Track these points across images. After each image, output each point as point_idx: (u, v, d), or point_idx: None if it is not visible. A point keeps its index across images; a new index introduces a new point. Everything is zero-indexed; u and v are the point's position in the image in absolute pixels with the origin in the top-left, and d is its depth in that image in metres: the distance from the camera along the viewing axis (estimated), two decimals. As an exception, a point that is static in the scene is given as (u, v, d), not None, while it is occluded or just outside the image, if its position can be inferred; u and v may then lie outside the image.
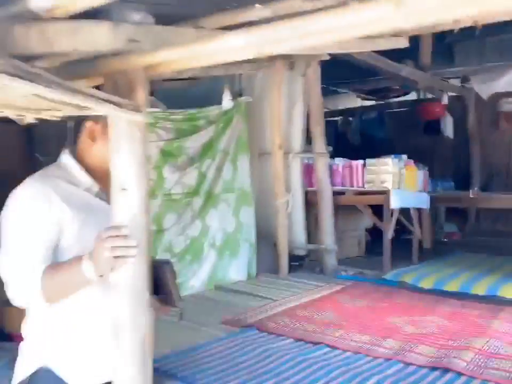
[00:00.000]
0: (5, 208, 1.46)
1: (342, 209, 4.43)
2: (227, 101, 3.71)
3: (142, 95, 1.27)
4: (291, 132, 4.31)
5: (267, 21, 1.52)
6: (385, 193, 3.94)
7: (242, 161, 4.03)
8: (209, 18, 1.57)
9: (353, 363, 2.13)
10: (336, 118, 8.44)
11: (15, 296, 1.46)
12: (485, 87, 6.55)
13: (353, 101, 8.16)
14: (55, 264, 1.41)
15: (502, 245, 5.11)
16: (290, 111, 4.29)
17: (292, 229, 4.30)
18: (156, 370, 1.57)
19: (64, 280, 1.38)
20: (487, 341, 2.37)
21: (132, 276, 1.33)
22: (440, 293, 3.33)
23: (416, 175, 4.34)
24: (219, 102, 3.85)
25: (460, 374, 1.99)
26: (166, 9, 1.53)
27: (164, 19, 1.45)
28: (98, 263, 1.31)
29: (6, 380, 2.62)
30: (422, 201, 4.42)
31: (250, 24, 1.63)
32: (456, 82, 6.71)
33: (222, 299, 3.30)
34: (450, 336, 2.46)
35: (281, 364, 2.12)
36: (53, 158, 1.62)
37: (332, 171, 4.29)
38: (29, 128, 3.86)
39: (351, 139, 8.02)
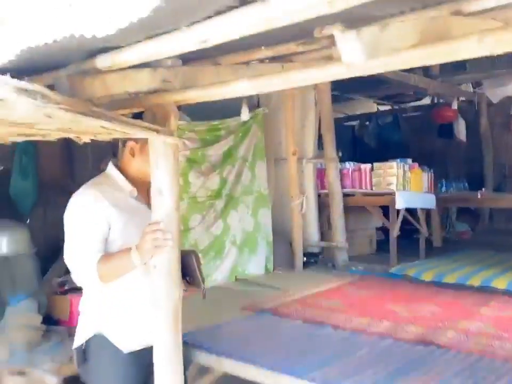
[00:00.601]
0: (67, 210, 1.91)
1: (352, 210, 4.79)
2: (245, 113, 4.12)
3: (173, 122, 1.69)
4: (304, 139, 4.70)
5: (270, 58, 1.93)
6: (390, 194, 4.30)
7: (260, 167, 4.44)
8: (225, 57, 1.98)
9: (351, 339, 2.50)
10: (353, 123, 8.77)
11: (77, 279, 1.91)
12: (495, 92, 6.81)
13: (370, 106, 8.48)
14: (108, 254, 1.84)
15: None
16: (303, 120, 4.68)
17: (306, 228, 4.68)
18: (183, 343, 1.98)
19: (116, 266, 1.81)
20: (472, 323, 2.71)
21: (167, 260, 1.75)
22: (439, 285, 3.66)
23: (421, 177, 4.67)
24: (238, 114, 4.26)
25: (440, 346, 2.35)
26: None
27: (189, 60, 1.87)
28: (143, 253, 1.73)
29: (58, 355, 3.10)
30: (428, 201, 4.74)
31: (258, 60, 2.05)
32: (468, 87, 6.97)
33: (242, 290, 3.72)
34: (440, 319, 2.80)
35: (290, 339, 2.51)
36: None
37: (342, 174, 4.66)
38: (69, 145, 4.38)
39: (368, 142, 8.33)
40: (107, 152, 2.44)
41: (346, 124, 8.70)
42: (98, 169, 4.21)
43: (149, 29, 1.16)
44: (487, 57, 1.13)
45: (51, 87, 1.47)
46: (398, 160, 4.46)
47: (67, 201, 1.97)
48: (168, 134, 1.62)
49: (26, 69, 1.55)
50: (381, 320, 2.78)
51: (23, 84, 1.23)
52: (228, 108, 4.69)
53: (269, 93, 4.83)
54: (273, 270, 4.39)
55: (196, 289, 2.17)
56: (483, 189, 5.93)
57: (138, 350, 1.94)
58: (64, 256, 1.89)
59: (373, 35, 0.96)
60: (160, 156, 1.66)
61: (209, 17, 1.12)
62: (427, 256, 4.77)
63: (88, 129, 1.63)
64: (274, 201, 4.61)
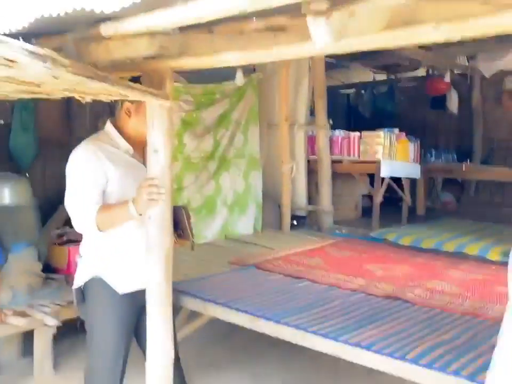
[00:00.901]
0: (68, 163, 2.09)
1: (340, 176, 4.99)
2: (240, 78, 4.24)
3: (169, 87, 1.85)
4: (297, 106, 4.84)
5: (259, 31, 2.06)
6: (376, 163, 4.49)
7: (253, 131, 4.60)
8: (219, 26, 2.11)
9: (326, 292, 2.74)
10: (349, 91, 8.83)
11: (77, 226, 2.11)
12: (489, 66, 6.88)
13: (366, 75, 8.53)
14: (107, 205, 2.03)
15: (493, 214, 5.59)
16: (297, 87, 4.80)
17: (294, 192, 4.89)
18: (174, 290, 2.20)
19: (114, 216, 2.01)
20: (439, 283, 2.95)
21: (161, 212, 1.95)
22: (416, 249, 3.91)
23: (407, 147, 4.85)
24: (234, 78, 4.38)
25: (406, 301, 2.59)
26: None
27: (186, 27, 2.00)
28: (139, 205, 1.92)
29: (57, 299, 3.32)
30: (413, 171, 4.94)
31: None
32: (463, 60, 7.04)
33: (230, 247, 3.96)
34: (410, 279, 3.05)
35: (270, 291, 2.75)
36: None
37: (332, 142, 4.83)
38: (67, 102, 4.51)
39: (362, 111, 8.44)
40: (104, 110, 2.61)
41: (342, 91, 8.78)
42: (96, 127, 4.40)
43: (149, 7, 1.31)
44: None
45: (59, 50, 1.62)
46: (385, 129, 4.62)
47: (65, 156, 2.14)
48: (163, 97, 1.78)
49: (33, 33, 1.69)
50: (356, 277, 3.02)
51: (35, 48, 1.39)
52: (224, 72, 4.81)
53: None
54: (262, 230, 4.62)
55: (186, 241, 2.38)
56: (468, 161, 6.11)
57: (132, 292, 2.16)
58: (65, 204, 2.07)
59: (341, 20, 1.12)
60: (156, 118, 1.83)
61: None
62: (409, 223, 5.01)
63: (91, 90, 1.79)
64: (265, 165, 4.79)
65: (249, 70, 4.68)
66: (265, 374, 3.17)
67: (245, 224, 4.48)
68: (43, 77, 1.55)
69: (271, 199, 4.79)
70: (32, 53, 1.36)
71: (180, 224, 2.28)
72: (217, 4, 1.27)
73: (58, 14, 1.23)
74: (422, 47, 5.97)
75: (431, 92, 7.18)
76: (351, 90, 8.82)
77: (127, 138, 2.13)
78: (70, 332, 3.50)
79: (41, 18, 1.34)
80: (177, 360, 2.28)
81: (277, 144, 4.76)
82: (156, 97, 1.75)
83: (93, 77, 1.52)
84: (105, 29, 1.56)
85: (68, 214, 2.11)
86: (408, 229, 4.63)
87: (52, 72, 1.44)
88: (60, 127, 4.85)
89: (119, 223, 2.03)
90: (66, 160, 2.12)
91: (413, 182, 5.33)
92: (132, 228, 2.08)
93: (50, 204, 4.31)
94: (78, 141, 2.17)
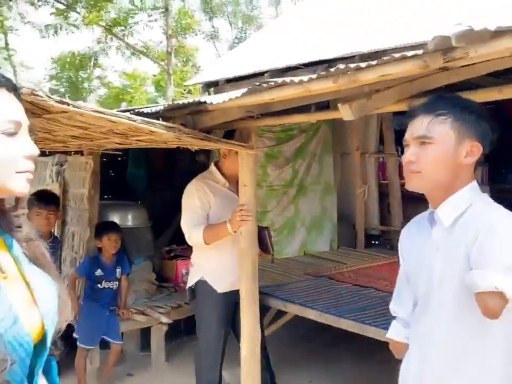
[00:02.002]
0: (183, 194, 2.88)
1: (409, 198, 5.42)
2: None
3: (255, 139, 2.56)
4: (367, 137, 5.40)
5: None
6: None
7: (327, 160, 5.23)
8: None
9: (387, 297, 3.25)
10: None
11: (189, 240, 2.86)
12: None
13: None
14: (210, 224, 2.77)
15: None
16: (367, 120, 5.37)
17: (367, 213, 5.41)
18: (262, 293, 2.87)
19: (215, 232, 2.74)
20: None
21: (249, 229, 2.64)
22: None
23: (473, 171, 5.18)
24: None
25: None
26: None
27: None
28: (233, 224, 2.64)
29: (168, 303, 4.11)
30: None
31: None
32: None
33: (308, 261, 4.57)
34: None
35: (338, 295, 3.33)
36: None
37: (400, 167, 5.30)
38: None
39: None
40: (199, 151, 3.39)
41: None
42: (194, 161, 5.34)
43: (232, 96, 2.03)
44: None
45: (181, 119, 2.40)
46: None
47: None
48: (249, 148, 2.49)
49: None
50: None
51: (166, 123, 2.16)
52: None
53: (337, 96, 5.57)
54: (337, 248, 5.19)
55: (267, 255, 3.07)
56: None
57: (228, 292, 2.86)
58: (181, 224, 2.85)
59: (360, 104, 1.74)
60: (244, 161, 2.54)
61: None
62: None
63: (199, 144, 2.55)
64: (340, 190, 5.38)
65: (323, 107, 5.32)
66: (338, 373, 3.72)
67: (322, 243, 5.09)
68: (169, 139, 2.32)
69: (346, 220, 5.35)
70: (168, 127, 2.13)
71: (263, 241, 2.97)
72: (282, 92, 1.95)
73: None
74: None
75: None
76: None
77: (225, 175, 2.89)
78: (177, 333, 4.31)
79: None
80: (264, 349, 2.94)
81: (350, 170, 5.34)
82: (245, 148, 2.47)
83: (202, 138, 2.28)
84: (211, 105, 2.31)
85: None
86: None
87: (178, 136, 2.21)
88: (164, 163, 5.82)
89: (219, 237, 2.76)
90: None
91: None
92: (227, 242, 2.80)
93: (158, 226, 5.22)
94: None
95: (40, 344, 0.96)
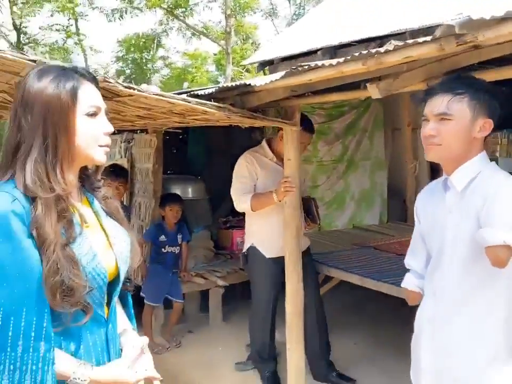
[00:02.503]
0: (236, 165, 3.18)
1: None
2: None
3: (297, 117, 2.79)
4: (419, 112, 5.42)
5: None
6: (493, 160, 4.87)
7: (378, 136, 5.35)
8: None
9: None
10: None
11: (238, 207, 3.17)
12: None
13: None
14: (257, 193, 3.07)
15: None
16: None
17: (418, 189, 5.48)
18: (313, 260, 3.15)
19: (262, 201, 3.03)
20: None
21: (293, 199, 2.89)
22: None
23: (528, 145, 5.11)
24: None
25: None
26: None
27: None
28: (278, 194, 2.91)
29: (225, 268, 4.47)
30: (537, 167, 5.17)
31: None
32: None
33: (356, 233, 4.78)
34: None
35: (381, 263, 3.54)
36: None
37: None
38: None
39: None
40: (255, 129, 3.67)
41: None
42: (250, 138, 5.64)
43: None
44: None
45: (228, 100, 2.68)
46: (504, 130, 4.97)
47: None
48: (293, 125, 2.74)
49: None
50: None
51: (217, 104, 2.45)
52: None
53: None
54: (387, 221, 5.34)
55: (314, 225, 3.32)
56: None
57: (277, 257, 3.14)
58: (231, 192, 3.15)
59: (387, 84, 1.93)
60: (289, 137, 2.79)
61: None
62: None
63: (247, 122, 2.82)
64: (390, 165, 5.49)
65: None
66: (381, 337, 3.95)
67: (371, 217, 5.25)
68: (221, 117, 2.61)
69: (396, 195, 5.47)
70: (218, 107, 2.42)
71: (310, 211, 3.23)
72: (318, 73, 2.17)
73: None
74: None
75: None
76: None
77: (273, 151, 3.16)
78: (233, 296, 4.69)
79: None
80: (319, 307, 3.22)
81: (401, 146, 5.42)
82: (289, 125, 2.72)
83: (250, 117, 2.55)
84: (257, 86, 2.57)
85: (229, 207, 3.21)
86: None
87: (228, 115, 2.50)
88: (222, 140, 6.15)
89: (265, 205, 3.04)
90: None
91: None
92: (275, 211, 3.08)
93: (216, 199, 5.60)
94: (238, 149, 3.27)
95: (115, 278, 1.29)
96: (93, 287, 1.17)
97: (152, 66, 16.30)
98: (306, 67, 2.02)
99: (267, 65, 7.30)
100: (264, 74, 7.41)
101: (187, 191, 4.85)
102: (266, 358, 3.27)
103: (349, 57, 1.84)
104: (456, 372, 1.55)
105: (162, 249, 3.98)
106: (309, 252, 3.32)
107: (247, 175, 3.07)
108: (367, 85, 1.96)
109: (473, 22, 1.40)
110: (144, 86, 2.33)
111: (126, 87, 2.04)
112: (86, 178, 1.34)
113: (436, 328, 1.62)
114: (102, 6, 14.11)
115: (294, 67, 2.08)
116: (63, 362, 1.13)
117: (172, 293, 3.96)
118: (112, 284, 1.27)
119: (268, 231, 3.15)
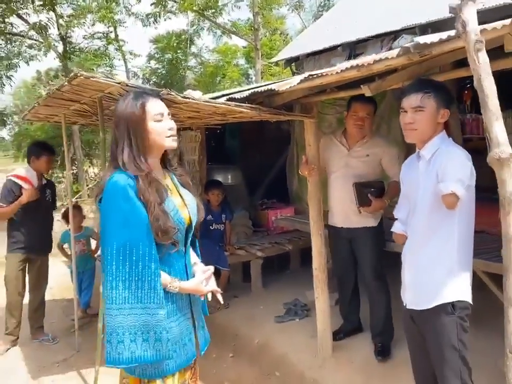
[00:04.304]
0: None
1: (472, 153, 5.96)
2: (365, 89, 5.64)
3: (314, 110, 3.48)
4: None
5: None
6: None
7: (395, 120, 5.92)
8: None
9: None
10: None
11: None
12: None
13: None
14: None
15: None
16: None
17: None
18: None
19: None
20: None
21: (313, 178, 3.60)
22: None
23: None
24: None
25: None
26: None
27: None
28: (302, 171, 3.54)
29: (263, 243, 5.23)
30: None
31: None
32: None
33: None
34: None
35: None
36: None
37: (463, 125, 5.84)
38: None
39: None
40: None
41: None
42: (280, 130, 6.38)
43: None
44: None
45: (256, 101, 3.40)
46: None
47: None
48: (312, 118, 3.42)
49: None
50: None
51: (251, 105, 3.16)
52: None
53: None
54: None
55: (366, 207, 3.53)
56: None
57: (339, 227, 3.62)
58: None
59: (376, 85, 2.60)
60: (308, 128, 3.48)
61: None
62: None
63: (275, 117, 3.53)
64: (408, 147, 6.07)
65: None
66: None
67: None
68: (254, 115, 3.33)
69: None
70: (252, 107, 3.14)
71: (357, 195, 3.37)
72: (326, 78, 2.86)
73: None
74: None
75: None
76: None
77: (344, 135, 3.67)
78: (271, 266, 5.42)
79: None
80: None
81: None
82: (308, 118, 3.42)
83: (276, 113, 3.27)
84: (281, 90, 3.27)
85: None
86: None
87: (259, 113, 3.22)
88: (255, 133, 6.87)
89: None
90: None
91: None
92: (337, 184, 3.56)
93: (252, 185, 6.35)
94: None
95: (189, 226, 2.03)
96: (177, 229, 1.90)
97: (186, 65, 17.18)
98: (316, 75, 2.71)
99: (293, 62, 7.99)
100: (291, 70, 8.10)
101: (227, 178, 5.62)
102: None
103: (348, 67, 2.52)
104: (426, 284, 2.24)
105: (210, 227, 4.76)
106: (373, 230, 3.52)
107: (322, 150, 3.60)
108: (361, 86, 2.64)
109: (421, 45, 2.07)
110: (189, 92, 3.07)
111: (183, 97, 2.80)
112: (167, 162, 2.09)
113: (412, 256, 2.31)
114: (136, 12, 15.05)
115: (307, 75, 2.78)
116: (163, 276, 1.87)
117: (219, 262, 4.73)
118: (187, 230, 2.01)
119: (330, 201, 3.69)
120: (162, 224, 1.81)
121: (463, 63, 2.45)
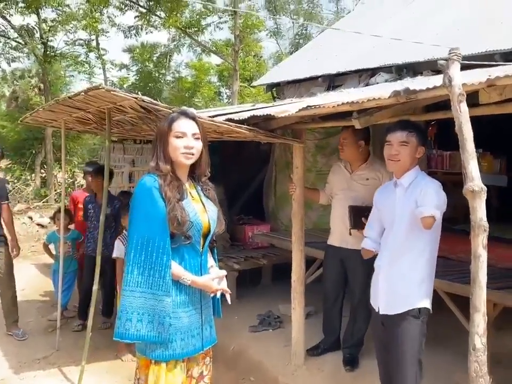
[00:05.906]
0: None
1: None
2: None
3: (303, 136, 3.82)
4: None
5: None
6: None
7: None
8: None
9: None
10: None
11: None
12: None
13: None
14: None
15: None
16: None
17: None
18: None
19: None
20: None
21: (297, 196, 3.92)
22: None
23: (492, 162, 6.12)
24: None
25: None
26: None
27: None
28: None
29: (238, 257, 5.48)
30: (498, 181, 6.20)
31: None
32: None
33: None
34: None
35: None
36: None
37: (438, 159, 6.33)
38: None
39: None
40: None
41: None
42: (258, 150, 6.71)
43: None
44: None
45: (254, 124, 3.71)
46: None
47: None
48: (300, 143, 3.76)
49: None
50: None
51: (249, 127, 3.47)
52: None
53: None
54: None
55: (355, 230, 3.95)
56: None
57: (335, 246, 3.89)
58: None
59: (365, 119, 2.96)
60: (297, 151, 3.81)
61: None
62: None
63: (268, 139, 3.84)
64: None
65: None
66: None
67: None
68: (250, 136, 3.63)
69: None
70: (250, 129, 3.45)
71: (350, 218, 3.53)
72: (321, 110, 3.20)
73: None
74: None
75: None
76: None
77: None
78: (244, 280, 5.66)
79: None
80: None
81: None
82: (297, 143, 3.75)
83: (271, 136, 3.59)
84: (278, 117, 3.59)
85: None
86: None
87: (255, 134, 3.52)
88: (234, 151, 7.15)
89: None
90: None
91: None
92: (337, 205, 3.88)
93: (229, 200, 6.59)
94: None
95: (207, 231, 2.26)
96: (193, 225, 2.12)
97: (164, 78, 17.39)
98: (314, 106, 3.05)
99: (274, 87, 8.39)
100: (272, 94, 8.49)
101: (209, 192, 5.85)
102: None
103: (344, 102, 2.87)
104: (399, 292, 2.60)
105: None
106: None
107: (330, 176, 4.09)
108: (352, 119, 3.00)
109: (410, 91, 2.45)
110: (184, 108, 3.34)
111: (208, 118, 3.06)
112: (196, 176, 2.30)
113: (389, 267, 2.65)
114: (119, 24, 15.23)
115: (306, 105, 3.12)
116: (177, 268, 2.11)
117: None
118: (206, 235, 2.24)
119: (331, 221, 4.00)
120: (179, 216, 2.06)
121: (437, 105, 2.86)
